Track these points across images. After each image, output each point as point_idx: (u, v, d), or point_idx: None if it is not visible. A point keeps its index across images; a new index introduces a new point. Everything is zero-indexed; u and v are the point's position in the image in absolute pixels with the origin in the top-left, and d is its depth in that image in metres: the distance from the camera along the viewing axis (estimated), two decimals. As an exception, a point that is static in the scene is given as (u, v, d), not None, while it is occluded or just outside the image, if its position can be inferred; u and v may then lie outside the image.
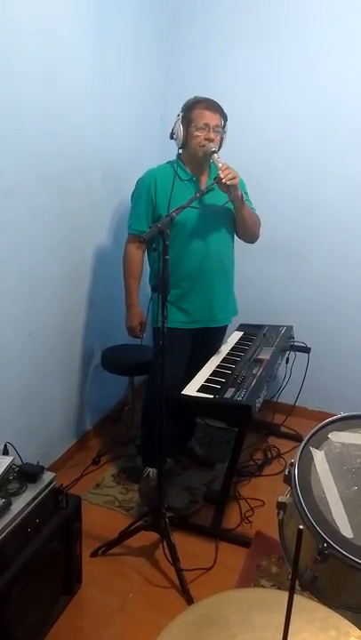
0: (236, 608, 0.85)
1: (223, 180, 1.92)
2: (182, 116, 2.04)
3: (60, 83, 2.04)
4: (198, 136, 2.02)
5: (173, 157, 2.17)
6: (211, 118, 2.01)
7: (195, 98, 2.06)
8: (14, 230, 1.94)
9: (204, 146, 2.02)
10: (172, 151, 2.16)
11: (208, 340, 2.33)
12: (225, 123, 2.08)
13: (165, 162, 2.20)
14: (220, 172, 1.93)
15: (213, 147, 2.00)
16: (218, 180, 1.94)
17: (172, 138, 2.09)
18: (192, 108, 2.03)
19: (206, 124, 2.01)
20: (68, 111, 2.12)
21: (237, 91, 2.76)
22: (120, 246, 2.26)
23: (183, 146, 2.08)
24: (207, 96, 2.06)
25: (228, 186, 1.94)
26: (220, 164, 1.95)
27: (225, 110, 2.08)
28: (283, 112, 2.74)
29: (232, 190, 1.98)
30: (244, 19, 2.70)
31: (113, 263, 2.31)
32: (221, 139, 2.08)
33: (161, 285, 1.71)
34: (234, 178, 1.94)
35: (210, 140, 2.01)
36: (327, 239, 2.82)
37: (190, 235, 2.10)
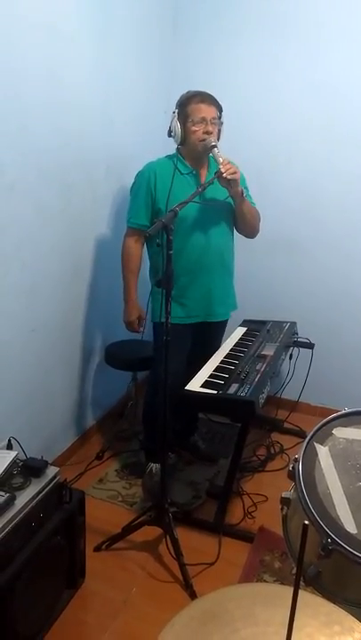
0: (239, 603, 0.85)
1: (224, 175, 1.91)
2: (178, 113, 2.03)
3: (63, 77, 2.03)
4: (196, 131, 2.01)
5: (174, 151, 2.16)
6: (207, 111, 2.00)
7: (188, 92, 2.05)
8: (17, 225, 1.94)
9: (203, 140, 2.01)
10: (175, 145, 2.15)
11: (208, 334, 2.33)
12: (221, 114, 2.07)
13: (165, 155, 2.19)
14: (220, 166, 1.92)
15: (213, 141, 1.99)
16: (219, 174, 1.93)
17: (170, 135, 2.08)
18: (187, 104, 2.01)
19: (203, 118, 2.00)
20: (71, 106, 2.11)
21: (241, 85, 2.75)
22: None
23: (182, 142, 2.07)
24: (211, 89, 2.05)
25: (229, 180, 1.93)
26: (221, 159, 1.94)
27: (225, 103, 2.06)
28: (287, 106, 2.72)
29: (232, 185, 1.97)
30: (249, 13, 2.68)
31: (116, 258, 2.31)
32: (219, 130, 2.07)
33: (165, 280, 1.71)
34: (235, 173, 1.93)
35: (208, 134, 2.00)
36: (331, 234, 2.81)
37: (190, 229, 2.09)
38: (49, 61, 1.94)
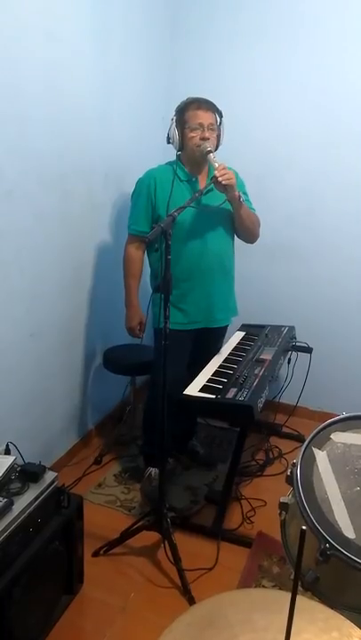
0: (237, 608, 0.85)
1: (219, 179, 1.92)
2: (176, 119, 2.04)
3: (62, 83, 2.04)
4: (194, 137, 2.02)
5: (174, 158, 2.17)
6: (204, 117, 2.01)
7: (187, 99, 2.05)
8: (16, 232, 1.94)
9: (200, 146, 2.02)
10: (174, 151, 2.16)
11: (208, 340, 2.33)
12: (220, 120, 2.07)
13: (165, 162, 2.20)
14: (216, 171, 1.93)
15: (209, 146, 1.99)
16: (214, 179, 1.94)
17: (169, 142, 2.09)
18: (185, 110, 2.02)
19: (200, 124, 2.01)
20: (71, 112, 2.12)
21: (239, 90, 2.77)
22: (122, 248, 2.26)
23: (181, 148, 2.08)
24: (209, 95, 2.06)
25: (225, 185, 1.94)
26: (217, 164, 1.95)
27: (223, 109, 2.07)
28: (284, 112, 2.74)
29: (229, 190, 1.98)
30: (246, 19, 2.70)
31: (114, 264, 2.32)
32: (218, 136, 2.08)
33: (163, 285, 1.71)
34: (230, 178, 1.94)
35: (205, 140, 2.01)
36: (329, 239, 2.82)
37: (188, 235, 2.10)
38: (48, 67, 1.95)
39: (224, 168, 1.94)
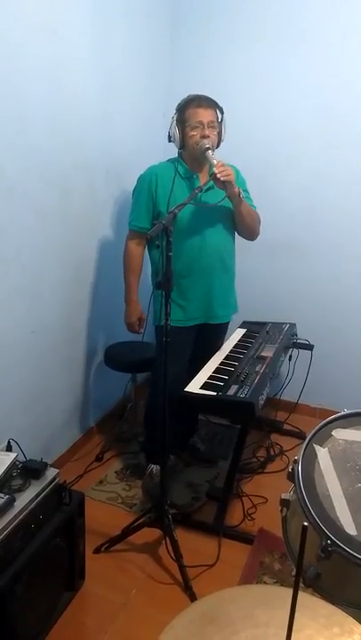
0: (238, 605, 0.85)
1: (218, 176, 1.91)
2: (177, 118, 2.03)
3: (63, 81, 2.04)
4: (194, 135, 2.01)
5: (175, 155, 2.16)
6: (204, 115, 2.00)
7: (187, 97, 2.04)
8: (17, 229, 1.94)
9: (199, 144, 2.01)
10: (175, 148, 2.15)
11: (209, 337, 2.33)
12: (222, 116, 2.06)
13: (167, 159, 2.20)
14: (214, 168, 1.93)
15: (207, 144, 1.99)
16: (213, 176, 1.93)
17: (170, 140, 2.09)
18: (185, 108, 2.02)
19: (200, 122, 2.00)
20: (71, 110, 2.12)
21: (240, 88, 2.76)
22: (123, 245, 2.26)
23: (182, 146, 2.08)
24: (209, 93, 2.05)
25: (224, 182, 1.94)
26: (215, 161, 1.95)
27: (224, 107, 2.06)
28: (285, 111, 2.73)
29: (228, 186, 1.97)
30: (247, 17, 2.69)
31: (116, 261, 2.31)
32: (219, 133, 2.07)
33: (164, 282, 1.71)
34: (229, 175, 1.93)
35: (205, 138, 2.00)
36: (330, 237, 2.81)
37: (188, 231, 2.09)
38: (50, 65, 1.94)
39: (223, 165, 1.94)
